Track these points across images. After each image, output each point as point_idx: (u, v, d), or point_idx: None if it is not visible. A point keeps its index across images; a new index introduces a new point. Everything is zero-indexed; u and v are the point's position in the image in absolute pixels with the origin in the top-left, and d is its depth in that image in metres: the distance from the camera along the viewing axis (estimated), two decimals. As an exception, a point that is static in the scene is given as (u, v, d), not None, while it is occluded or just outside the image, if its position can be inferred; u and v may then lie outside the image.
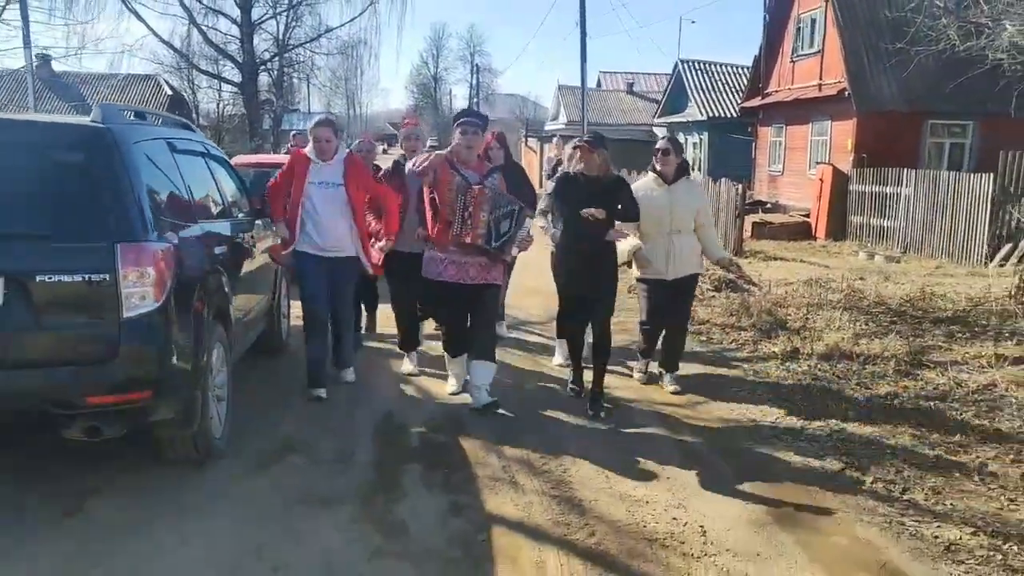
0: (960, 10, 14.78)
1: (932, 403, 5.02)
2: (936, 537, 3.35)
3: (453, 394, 5.23)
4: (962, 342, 6.35)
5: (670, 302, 5.36)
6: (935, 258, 12.94)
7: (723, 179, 15.15)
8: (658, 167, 5.30)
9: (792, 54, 20.02)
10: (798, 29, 19.74)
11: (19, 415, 3.38)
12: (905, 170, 14.37)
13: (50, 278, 3.27)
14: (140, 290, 3.37)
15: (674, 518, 3.51)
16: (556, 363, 6.00)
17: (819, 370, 5.72)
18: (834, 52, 17.52)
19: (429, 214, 4.77)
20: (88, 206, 3.40)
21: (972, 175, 12.90)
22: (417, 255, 5.04)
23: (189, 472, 3.84)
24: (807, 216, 17.53)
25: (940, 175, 13.55)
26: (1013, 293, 7.61)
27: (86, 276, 3.30)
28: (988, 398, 5.09)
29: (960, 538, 3.34)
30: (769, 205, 19.97)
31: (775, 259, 12.77)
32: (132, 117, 4.09)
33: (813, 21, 18.97)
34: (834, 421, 4.74)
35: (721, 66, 29.19)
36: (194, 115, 37.60)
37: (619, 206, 4.89)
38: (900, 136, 16.43)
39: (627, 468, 4.07)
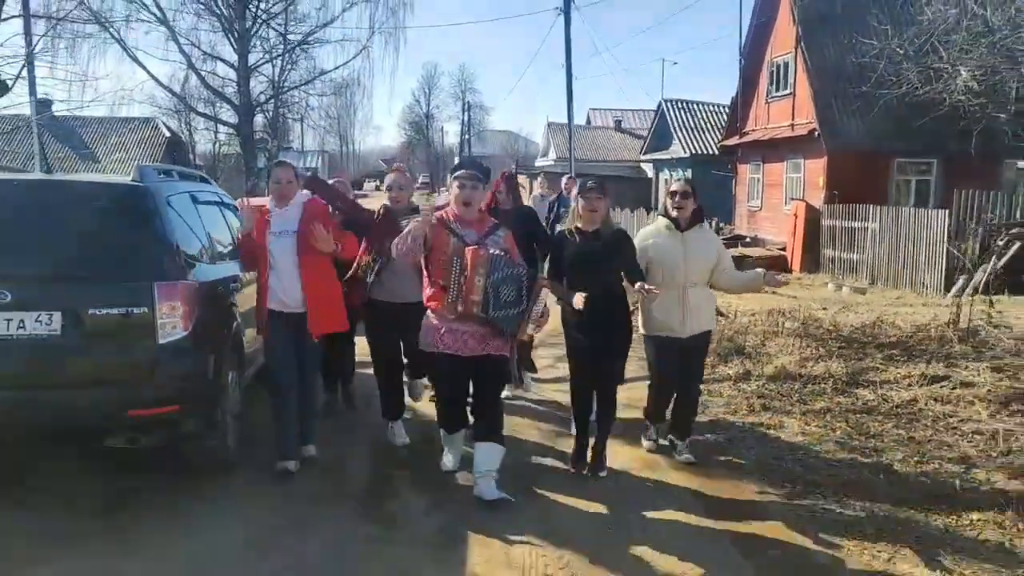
0: (919, 56, 15.76)
1: (859, 416, 5.70)
2: (835, 520, 4.04)
3: (449, 472, 4.68)
4: (898, 364, 7.04)
5: (682, 362, 4.84)
6: (899, 289, 13.70)
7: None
8: (673, 212, 4.80)
9: (767, 95, 20.99)
10: (771, 72, 20.73)
11: (73, 426, 4.05)
12: (871, 206, 15.19)
13: (99, 311, 3.96)
14: (172, 321, 4.06)
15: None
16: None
17: (766, 389, 6.40)
18: (804, 94, 18.48)
19: (425, 280, 4.33)
20: (130, 251, 4.11)
21: (929, 211, 13.72)
22: (402, 306, 4.77)
23: (210, 476, 4.48)
24: (783, 250, 18.33)
25: (901, 211, 14.37)
26: (950, 321, 8.32)
27: (128, 309, 3.99)
28: (908, 411, 5.78)
29: (855, 519, 4.02)
30: (748, 239, 20.76)
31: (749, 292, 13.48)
32: (162, 175, 4.80)
33: (785, 64, 19.96)
34: (771, 431, 5.43)
35: (703, 105, 30.27)
36: (191, 155, 38.57)
37: (621, 271, 4.56)
38: (869, 173, 17.29)
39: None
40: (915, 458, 4.86)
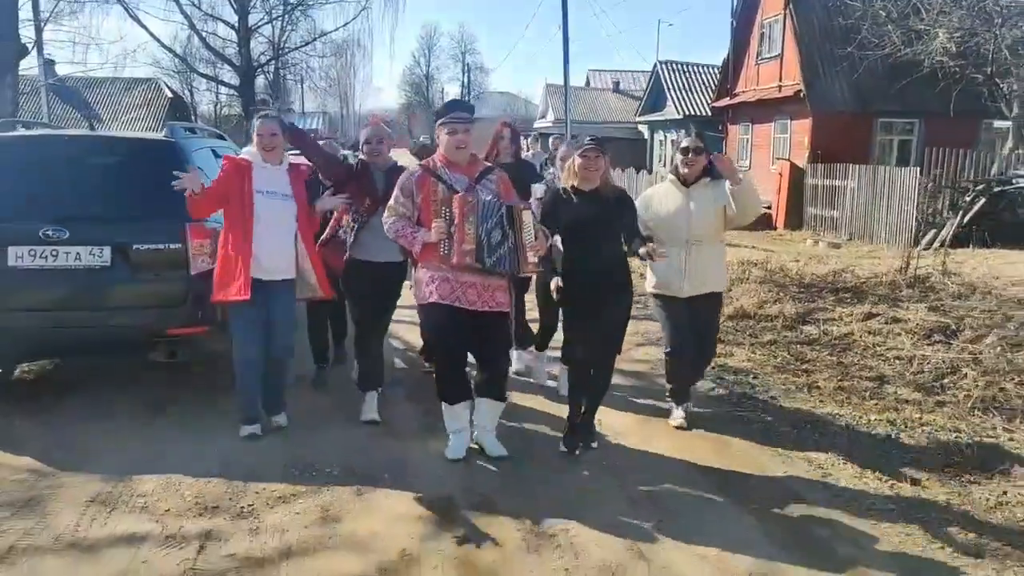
0: (901, 18, 16.29)
1: (800, 346, 6.48)
2: (766, 428, 4.84)
3: (454, 460, 4.21)
4: (846, 305, 7.80)
5: (692, 323, 4.61)
6: (874, 244, 14.41)
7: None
8: (683, 170, 4.56)
9: (757, 57, 21.51)
10: (762, 34, 21.22)
11: (121, 342, 4.83)
12: (850, 165, 15.85)
13: (142, 246, 4.71)
14: (201, 255, 4.80)
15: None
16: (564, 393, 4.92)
17: (722, 326, 7.14)
18: (792, 56, 19.01)
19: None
20: (165, 196, 4.82)
21: (901, 170, 14.39)
22: (383, 265, 4.66)
23: (226, 392, 5.12)
24: (769, 208, 19.01)
25: (877, 170, 15.04)
26: (902, 268, 9.06)
27: (165, 245, 4.74)
28: (844, 343, 6.56)
29: (776, 423, 4.82)
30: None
31: (730, 245, 14.20)
32: (188, 133, 5.52)
33: (774, 26, 20.44)
34: (721, 360, 6.21)
35: (697, 66, 30.66)
36: (192, 116, 39.00)
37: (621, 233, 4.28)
38: (852, 134, 17.91)
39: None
40: (838, 377, 5.64)
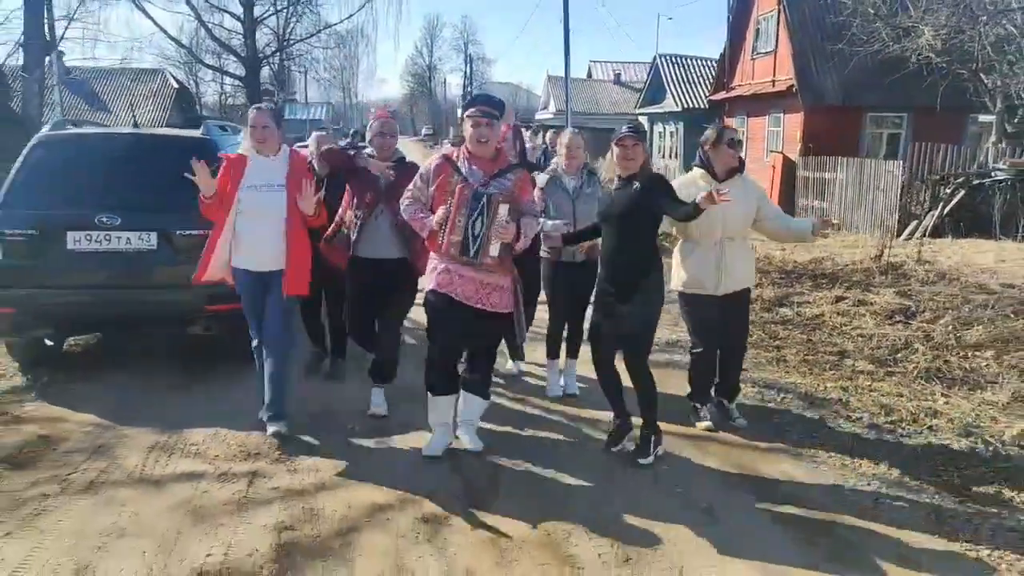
0: (890, 15, 16.83)
1: (774, 326, 7.11)
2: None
3: (430, 456, 4.25)
4: (821, 290, 8.42)
5: (722, 321, 4.61)
6: (861, 233, 15.01)
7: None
8: (717, 165, 4.51)
9: (752, 52, 22.05)
10: (757, 29, 21.76)
11: (164, 318, 5.47)
12: (838, 158, 16.44)
13: (183, 232, 5.33)
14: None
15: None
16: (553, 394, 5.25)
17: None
18: (785, 51, 19.57)
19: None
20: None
21: (885, 163, 14.98)
22: (386, 261, 4.64)
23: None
24: (762, 199, 19.64)
25: (864, 163, 15.63)
26: (877, 256, 9.67)
27: (203, 231, 5.34)
28: (814, 323, 7.18)
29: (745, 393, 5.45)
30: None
31: (721, 235, 14.83)
32: (220, 130, 6.13)
33: (769, 22, 20.99)
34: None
35: (695, 60, 31.18)
36: (197, 107, 39.57)
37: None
38: (843, 127, 18.49)
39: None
40: (804, 352, 6.27)
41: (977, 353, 5.96)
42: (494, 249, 3.93)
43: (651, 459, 4.21)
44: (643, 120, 34.86)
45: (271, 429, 4.43)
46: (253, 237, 4.43)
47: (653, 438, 4.25)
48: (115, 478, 3.96)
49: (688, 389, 4.91)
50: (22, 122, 11.50)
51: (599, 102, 45.63)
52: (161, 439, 4.46)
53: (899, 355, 6.06)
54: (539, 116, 49.40)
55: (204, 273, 4.54)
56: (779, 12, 19.89)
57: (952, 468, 4.16)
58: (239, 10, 28.84)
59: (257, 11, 29.39)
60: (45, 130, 5.83)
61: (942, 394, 5.22)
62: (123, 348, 6.21)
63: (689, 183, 4.59)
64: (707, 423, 4.74)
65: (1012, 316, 6.90)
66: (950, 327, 6.60)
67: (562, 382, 5.37)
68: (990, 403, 5.01)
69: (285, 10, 30.73)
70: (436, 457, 4.24)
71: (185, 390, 5.34)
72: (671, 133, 30.22)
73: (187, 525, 3.51)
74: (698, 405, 4.83)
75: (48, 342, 5.88)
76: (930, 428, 4.67)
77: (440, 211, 4.01)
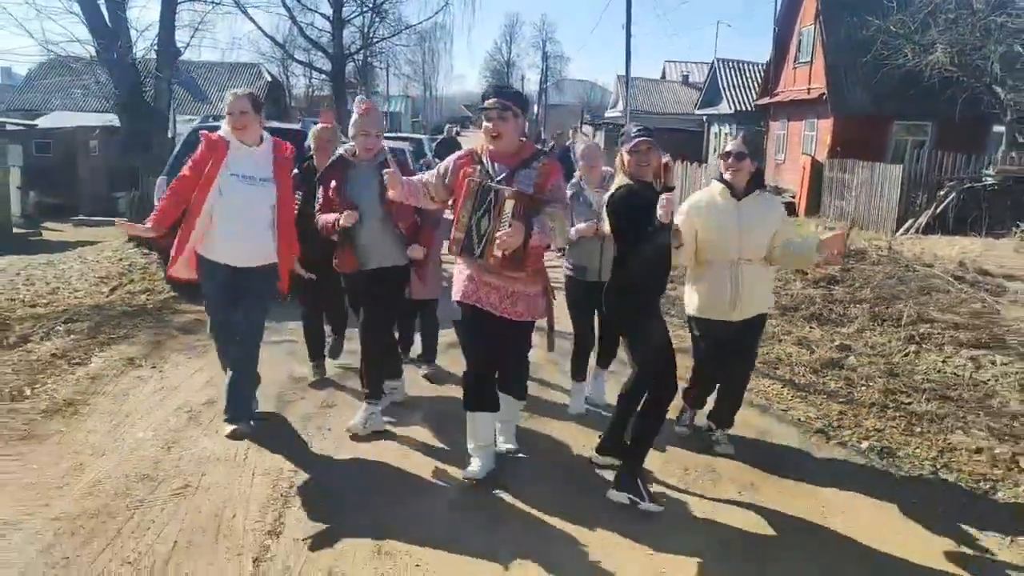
0: (911, 33, 18.34)
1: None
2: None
3: (471, 479, 3.99)
4: (805, 278, 10.32)
5: (732, 345, 4.32)
6: (869, 229, 16.64)
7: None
8: (726, 176, 4.18)
9: (794, 61, 23.66)
10: (799, 40, 23.36)
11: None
12: (856, 162, 18.06)
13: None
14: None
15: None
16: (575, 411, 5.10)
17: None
18: (820, 62, 21.20)
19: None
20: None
21: (889, 167, 16.58)
22: (380, 271, 4.45)
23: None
24: (794, 197, 21.31)
25: (875, 166, 17.23)
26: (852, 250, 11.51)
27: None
28: (793, 303, 9.11)
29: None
30: (770, 188, 23.72)
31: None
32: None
33: (809, 34, 22.59)
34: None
35: (750, 65, 32.68)
36: (288, 98, 42.76)
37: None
38: (871, 134, 20.06)
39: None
40: (779, 327, 8.25)
41: (856, 306, 7.91)
42: (498, 251, 3.63)
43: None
44: (702, 119, 36.58)
45: (239, 432, 4.17)
46: (234, 229, 4.11)
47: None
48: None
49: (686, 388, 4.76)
50: (151, 114, 14.00)
51: (667, 101, 47.04)
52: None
53: (801, 305, 8.04)
54: (608, 114, 51.15)
55: (173, 267, 4.23)
56: (816, 25, 21.49)
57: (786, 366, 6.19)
58: (329, 11, 31.72)
59: (345, 12, 32.21)
60: (197, 122, 8.30)
61: (810, 328, 7.23)
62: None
63: (706, 198, 4.30)
64: (683, 429, 4.75)
65: (914, 289, 8.76)
66: (858, 292, 8.53)
67: (588, 392, 5.25)
68: (841, 334, 7.00)
69: (370, 11, 33.48)
70: (478, 478, 4.01)
71: (191, 351, 6.26)
72: (727, 134, 31.86)
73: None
74: (686, 407, 4.76)
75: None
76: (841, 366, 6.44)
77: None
